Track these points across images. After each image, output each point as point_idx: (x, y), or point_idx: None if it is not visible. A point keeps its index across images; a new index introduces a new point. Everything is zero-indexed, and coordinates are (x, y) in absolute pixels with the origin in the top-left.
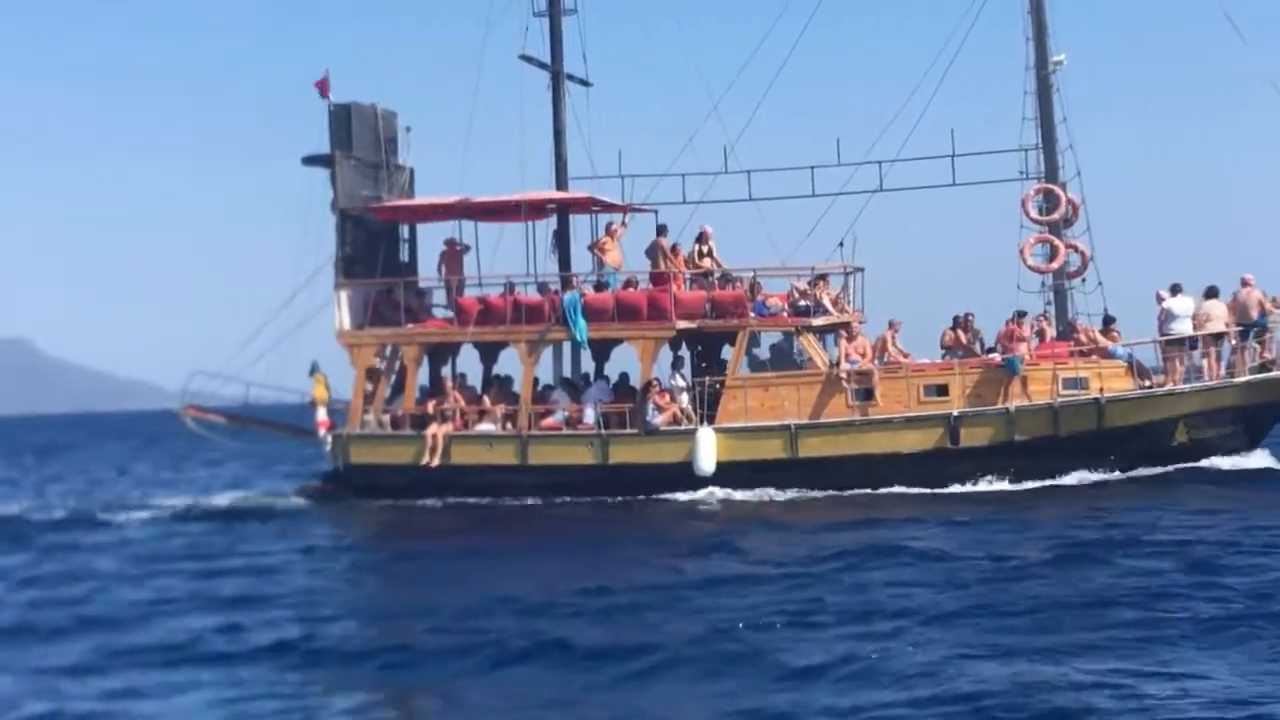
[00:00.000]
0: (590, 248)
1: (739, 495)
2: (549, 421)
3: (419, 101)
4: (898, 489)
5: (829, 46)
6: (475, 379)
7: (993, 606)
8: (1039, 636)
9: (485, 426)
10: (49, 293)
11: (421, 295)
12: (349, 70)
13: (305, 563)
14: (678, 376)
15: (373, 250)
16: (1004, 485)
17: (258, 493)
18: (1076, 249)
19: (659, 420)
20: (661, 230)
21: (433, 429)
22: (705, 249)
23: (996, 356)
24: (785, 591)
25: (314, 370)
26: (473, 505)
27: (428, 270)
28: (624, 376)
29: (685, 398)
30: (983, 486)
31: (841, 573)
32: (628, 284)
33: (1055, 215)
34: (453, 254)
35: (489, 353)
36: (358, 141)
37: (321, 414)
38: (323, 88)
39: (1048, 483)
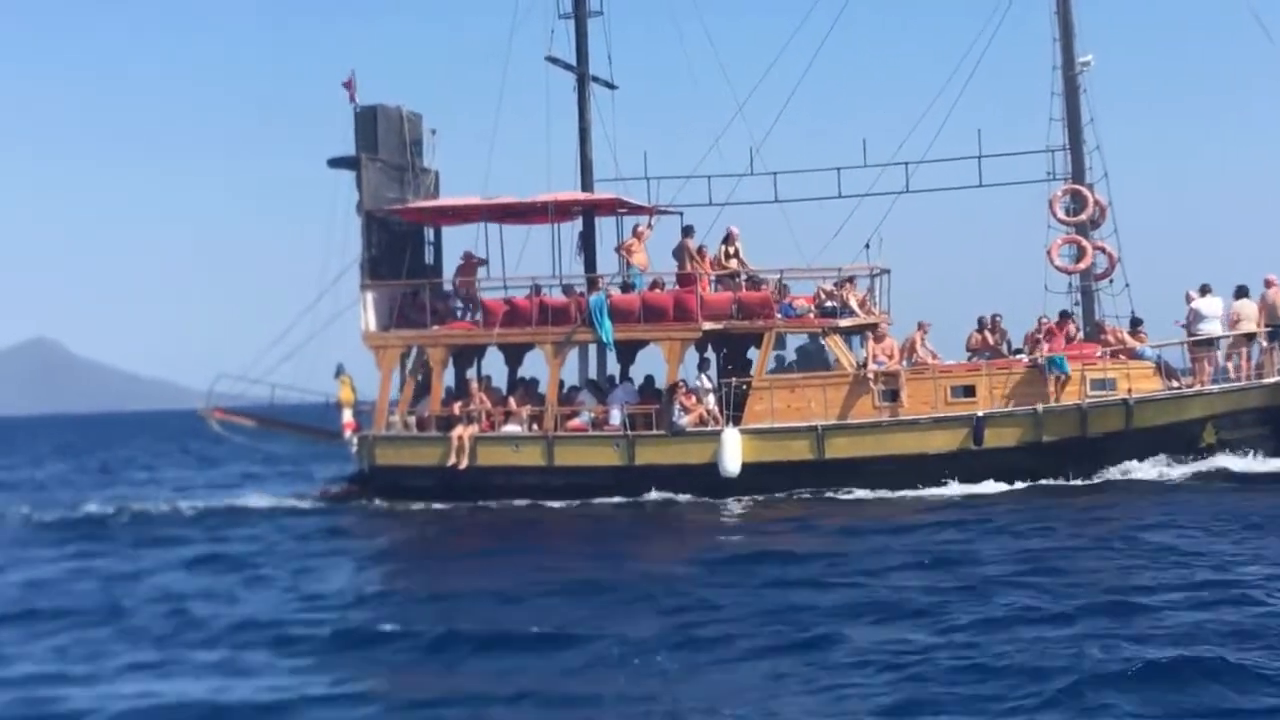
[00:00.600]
0: (617, 249)
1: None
2: (575, 423)
3: (444, 104)
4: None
5: (855, 47)
6: (499, 382)
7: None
8: None
9: (511, 428)
10: (78, 293)
11: (447, 298)
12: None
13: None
14: (703, 378)
15: (398, 252)
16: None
17: (284, 494)
18: (1104, 250)
19: (685, 421)
20: (688, 231)
21: (459, 430)
22: (731, 250)
23: (1024, 358)
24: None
25: (339, 372)
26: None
27: (453, 273)
28: (649, 379)
29: (711, 399)
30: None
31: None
32: (654, 285)
33: (1083, 216)
34: (469, 266)
35: (514, 355)
36: (383, 144)
37: (347, 416)
38: (350, 89)
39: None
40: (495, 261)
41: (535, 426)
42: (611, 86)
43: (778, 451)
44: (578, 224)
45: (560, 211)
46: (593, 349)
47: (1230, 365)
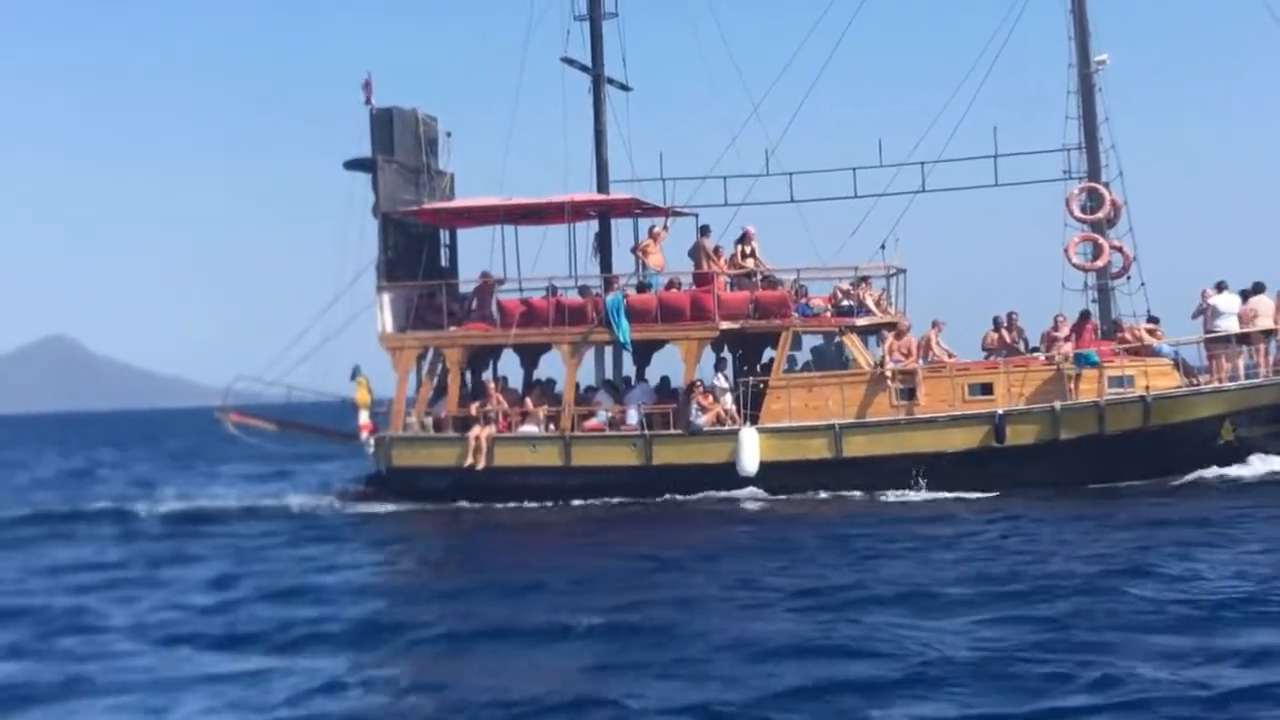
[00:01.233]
0: (633, 250)
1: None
2: (592, 423)
3: (460, 106)
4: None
5: (871, 47)
6: (515, 383)
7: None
8: None
9: (528, 428)
10: (95, 291)
11: (463, 299)
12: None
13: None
14: (720, 377)
15: (414, 254)
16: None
17: (304, 495)
18: (1120, 249)
19: (703, 421)
20: (704, 231)
21: (476, 431)
22: (747, 250)
23: (1040, 356)
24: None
25: (356, 374)
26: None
27: (468, 274)
28: (665, 380)
29: (729, 398)
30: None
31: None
32: (670, 285)
33: (1100, 214)
34: (485, 287)
35: (530, 356)
36: (399, 146)
37: (364, 417)
38: (367, 91)
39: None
40: (511, 262)
41: (552, 427)
42: (626, 89)
43: (795, 450)
44: (594, 225)
45: (576, 212)
46: (609, 349)
47: (1241, 363)
